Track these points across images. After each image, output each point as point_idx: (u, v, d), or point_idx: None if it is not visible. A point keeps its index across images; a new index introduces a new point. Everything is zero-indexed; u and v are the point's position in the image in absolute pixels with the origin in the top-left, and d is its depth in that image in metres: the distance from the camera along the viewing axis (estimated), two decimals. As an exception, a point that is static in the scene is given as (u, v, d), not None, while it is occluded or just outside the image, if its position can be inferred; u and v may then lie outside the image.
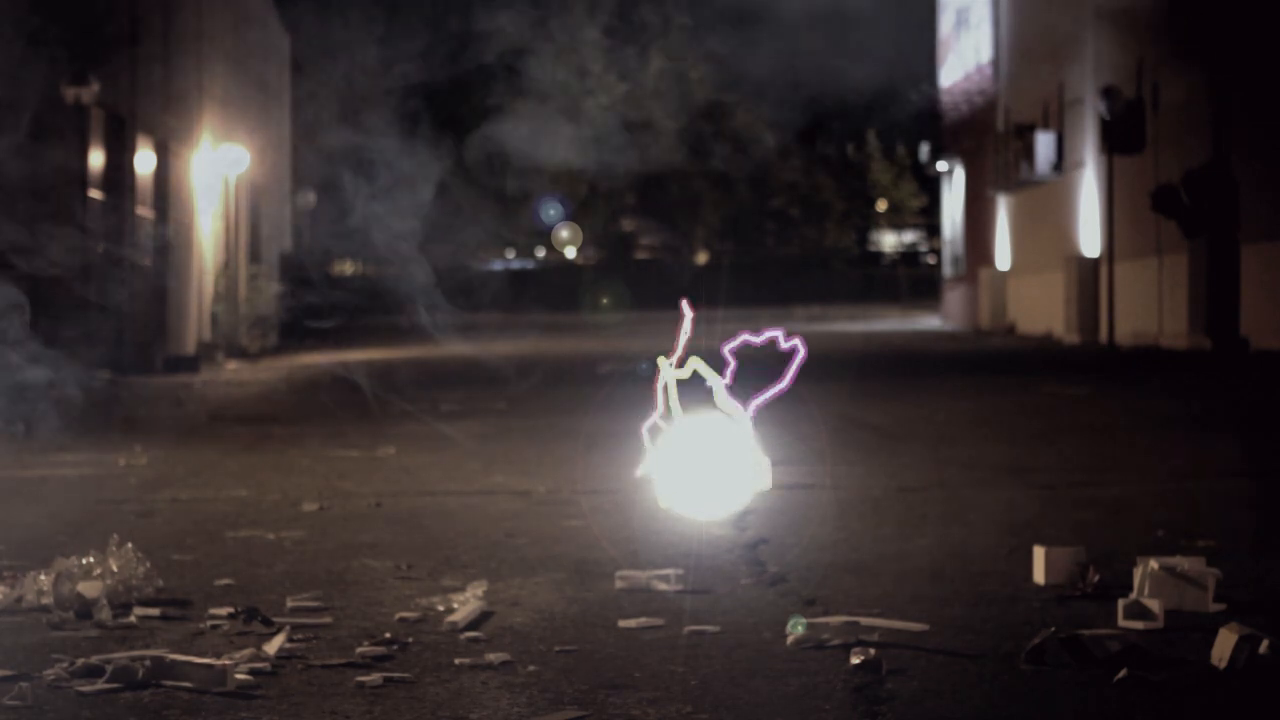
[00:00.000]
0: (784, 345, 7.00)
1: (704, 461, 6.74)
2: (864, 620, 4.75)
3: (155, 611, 5.20)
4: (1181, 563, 5.19)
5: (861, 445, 10.80)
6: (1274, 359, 21.19)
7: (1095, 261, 30.71)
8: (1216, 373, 19.38)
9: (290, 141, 39.08)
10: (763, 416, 7.12)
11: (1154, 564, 5.15)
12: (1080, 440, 11.30)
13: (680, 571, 5.62)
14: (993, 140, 38.66)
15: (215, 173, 30.61)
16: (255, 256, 34.17)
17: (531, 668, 4.45)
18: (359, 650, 4.64)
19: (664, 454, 6.73)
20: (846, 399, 14.97)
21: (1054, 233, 33.90)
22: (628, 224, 69.74)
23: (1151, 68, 28.80)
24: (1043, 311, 34.16)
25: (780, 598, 5.39)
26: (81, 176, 22.05)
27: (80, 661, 4.40)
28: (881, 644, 4.59)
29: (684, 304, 6.93)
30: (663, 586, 5.52)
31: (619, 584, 5.58)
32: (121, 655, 4.42)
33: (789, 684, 4.22)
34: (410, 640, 4.79)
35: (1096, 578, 5.40)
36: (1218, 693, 4.12)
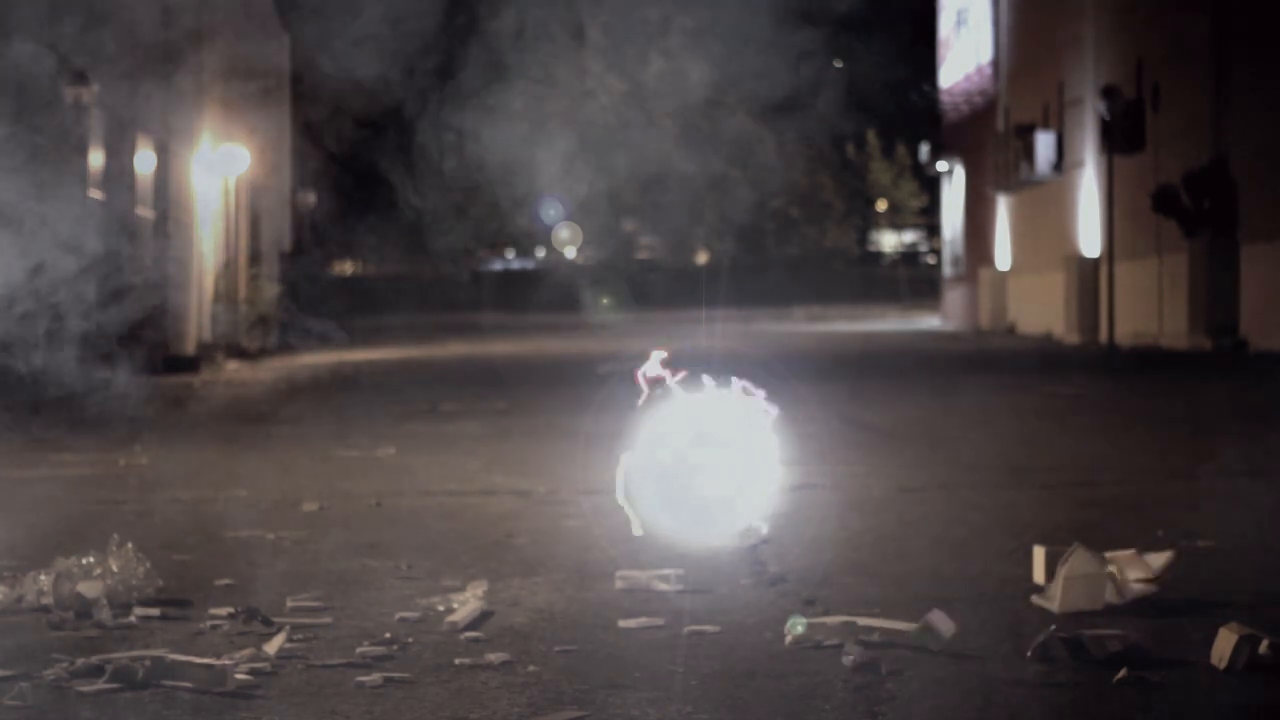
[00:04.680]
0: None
1: (704, 466, 5.81)
2: (861, 620, 4.75)
3: (155, 611, 5.20)
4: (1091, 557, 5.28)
5: (861, 445, 10.79)
6: (1274, 359, 21.18)
7: (1095, 261, 30.69)
8: (1216, 373, 19.37)
9: (290, 141, 39.06)
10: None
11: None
12: (1080, 440, 11.30)
13: (680, 571, 5.61)
14: (993, 140, 38.64)
15: (215, 173, 30.61)
16: (255, 257, 34.16)
17: (531, 668, 4.45)
18: (359, 650, 4.64)
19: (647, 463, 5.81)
20: (847, 399, 14.96)
21: (1054, 233, 33.89)
22: (628, 224, 69.73)
23: (1151, 68, 28.79)
24: (1043, 311, 34.15)
25: (780, 598, 5.39)
26: (81, 176, 22.05)
27: (80, 661, 4.40)
28: (881, 644, 4.59)
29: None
30: (663, 586, 5.52)
31: (619, 584, 5.58)
32: (121, 655, 4.42)
33: (789, 684, 4.22)
34: (410, 640, 4.79)
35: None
36: (1218, 693, 4.12)
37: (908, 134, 63.49)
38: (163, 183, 26.82)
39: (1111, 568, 5.21)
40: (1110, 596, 5.14)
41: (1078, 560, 5.20)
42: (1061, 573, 5.18)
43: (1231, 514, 7.37)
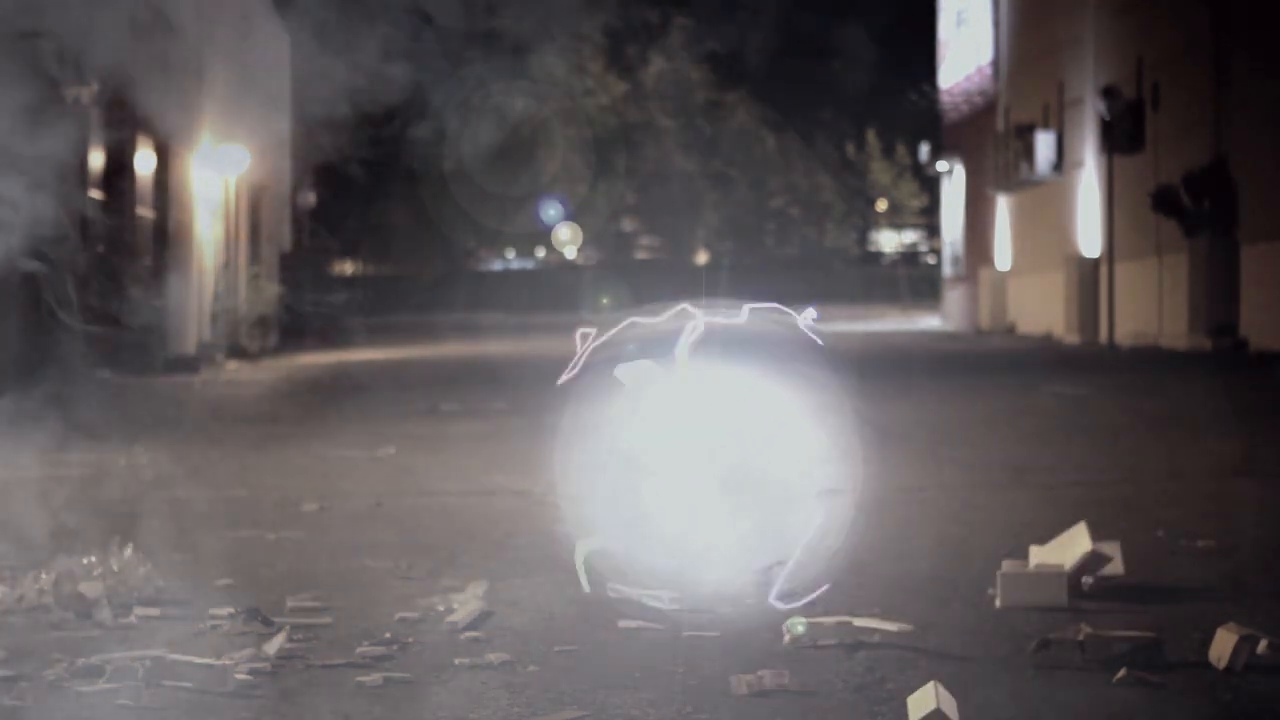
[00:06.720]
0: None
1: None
2: (858, 622, 4.75)
3: (155, 611, 5.20)
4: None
5: (862, 445, 10.78)
6: (1274, 359, 21.18)
7: (1095, 261, 30.70)
8: (1216, 373, 19.37)
9: (290, 141, 39.04)
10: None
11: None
12: (1080, 440, 11.30)
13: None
14: (993, 140, 38.65)
15: (215, 173, 30.61)
16: (255, 256, 34.16)
17: (531, 668, 4.45)
18: (359, 650, 4.64)
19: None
20: (847, 398, 14.95)
21: (1054, 233, 33.90)
22: (628, 223, 69.73)
23: (1151, 68, 28.79)
24: (1043, 311, 34.16)
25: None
26: (81, 176, 22.03)
27: (80, 661, 4.40)
28: (881, 644, 4.60)
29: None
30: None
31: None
32: (121, 655, 4.42)
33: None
34: (410, 640, 4.79)
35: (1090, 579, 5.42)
36: (1217, 693, 4.12)
37: (908, 134, 63.48)
38: (163, 183, 26.82)
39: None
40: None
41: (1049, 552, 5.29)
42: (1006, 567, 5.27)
43: (1231, 514, 7.37)
